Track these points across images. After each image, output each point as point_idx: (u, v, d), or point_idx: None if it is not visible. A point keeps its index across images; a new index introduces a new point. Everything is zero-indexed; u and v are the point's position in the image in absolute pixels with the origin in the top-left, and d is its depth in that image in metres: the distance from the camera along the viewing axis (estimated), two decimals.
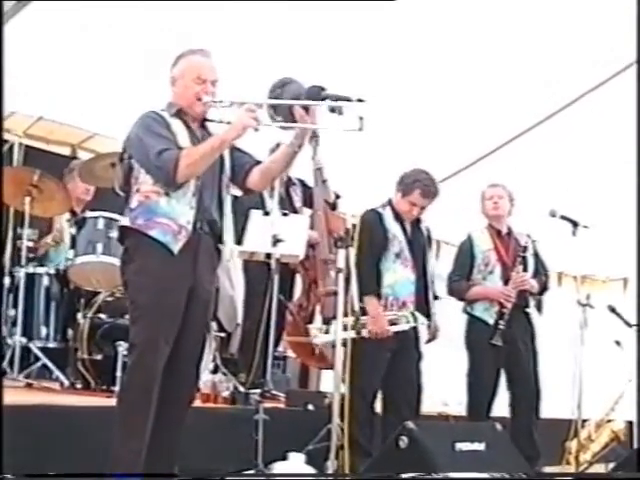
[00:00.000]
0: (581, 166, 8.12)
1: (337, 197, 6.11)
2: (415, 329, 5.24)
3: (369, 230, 5.21)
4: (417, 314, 5.21)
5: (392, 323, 5.12)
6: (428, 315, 5.34)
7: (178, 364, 3.77)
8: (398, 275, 5.22)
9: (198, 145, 3.75)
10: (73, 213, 6.27)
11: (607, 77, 7.29)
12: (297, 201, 6.32)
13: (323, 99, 3.67)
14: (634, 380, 6.39)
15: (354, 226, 5.08)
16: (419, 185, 5.24)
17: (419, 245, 5.37)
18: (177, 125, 3.82)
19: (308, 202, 6.24)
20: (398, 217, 5.32)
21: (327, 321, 5.66)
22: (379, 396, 5.31)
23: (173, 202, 3.73)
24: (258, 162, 4.00)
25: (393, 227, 5.29)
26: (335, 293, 4.29)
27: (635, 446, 6.86)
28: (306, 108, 3.69)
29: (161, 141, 3.70)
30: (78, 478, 3.98)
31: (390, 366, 5.16)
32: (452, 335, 6.37)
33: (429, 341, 5.42)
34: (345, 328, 4.52)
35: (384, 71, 6.63)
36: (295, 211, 6.12)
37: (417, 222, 5.42)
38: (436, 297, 5.48)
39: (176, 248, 3.71)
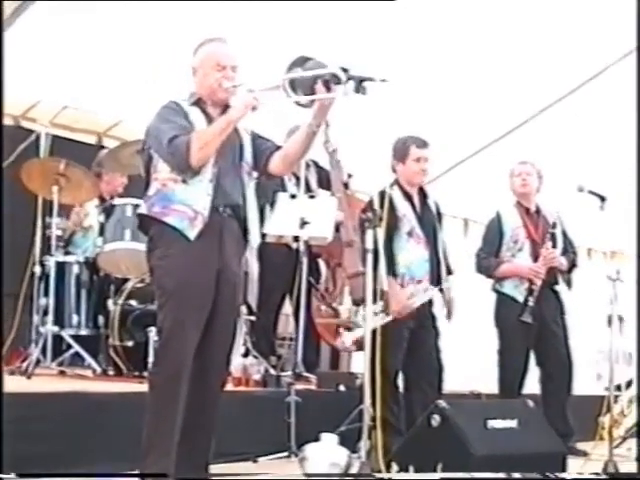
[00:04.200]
0: (608, 139, 8.05)
1: (349, 176, 6.11)
2: (431, 307, 5.23)
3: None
4: (431, 288, 5.18)
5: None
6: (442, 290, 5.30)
7: (209, 347, 3.77)
8: (413, 255, 5.16)
9: (207, 128, 3.77)
10: (103, 200, 6.31)
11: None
12: (313, 182, 6.35)
13: (347, 80, 3.65)
14: None
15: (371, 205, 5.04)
16: (411, 141, 5.22)
17: (429, 221, 5.32)
18: (195, 113, 3.83)
19: (325, 184, 6.24)
20: (406, 195, 5.27)
21: (357, 302, 5.68)
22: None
23: (189, 189, 3.74)
24: (279, 147, 4.01)
25: (402, 206, 5.23)
26: (363, 274, 4.26)
27: None
28: (327, 86, 3.68)
29: (174, 128, 3.71)
30: (78, 478, 4.00)
31: (409, 344, 5.16)
32: (479, 313, 6.35)
33: (448, 316, 5.33)
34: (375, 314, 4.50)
35: (407, 48, 6.61)
36: (311, 192, 6.10)
37: (424, 198, 5.37)
38: (450, 272, 5.43)
39: (192, 234, 3.72)
